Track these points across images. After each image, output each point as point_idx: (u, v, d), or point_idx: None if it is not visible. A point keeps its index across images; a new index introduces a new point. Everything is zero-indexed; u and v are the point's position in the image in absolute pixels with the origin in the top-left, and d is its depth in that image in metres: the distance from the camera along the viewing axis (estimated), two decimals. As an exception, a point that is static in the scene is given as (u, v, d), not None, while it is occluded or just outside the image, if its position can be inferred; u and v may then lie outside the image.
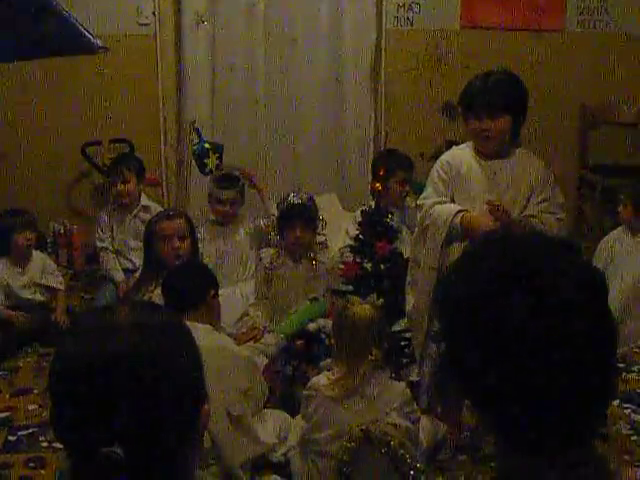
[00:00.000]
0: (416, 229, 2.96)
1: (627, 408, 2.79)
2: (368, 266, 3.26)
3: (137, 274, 3.79)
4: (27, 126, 4.71)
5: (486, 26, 4.92)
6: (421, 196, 2.92)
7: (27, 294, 3.83)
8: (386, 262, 3.26)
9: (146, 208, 4.22)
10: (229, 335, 3.10)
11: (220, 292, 2.91)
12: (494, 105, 2.70)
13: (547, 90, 4.79)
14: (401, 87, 4.95)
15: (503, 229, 2.59)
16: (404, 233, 3.67)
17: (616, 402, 2.77)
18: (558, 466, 1.00)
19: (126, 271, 4.15)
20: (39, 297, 3.88)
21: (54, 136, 4.72)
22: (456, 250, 2.73)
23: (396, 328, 3.08)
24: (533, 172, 2.81)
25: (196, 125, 4.28)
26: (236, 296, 3.78)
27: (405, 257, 3.18)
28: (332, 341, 2.66)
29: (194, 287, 2.76)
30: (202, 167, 4.09)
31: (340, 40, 4.91)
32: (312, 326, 3.24)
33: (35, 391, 3.22)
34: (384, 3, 4.86)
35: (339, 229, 4.04)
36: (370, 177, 4.22)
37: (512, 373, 0.98)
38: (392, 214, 3.41)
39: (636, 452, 2.52)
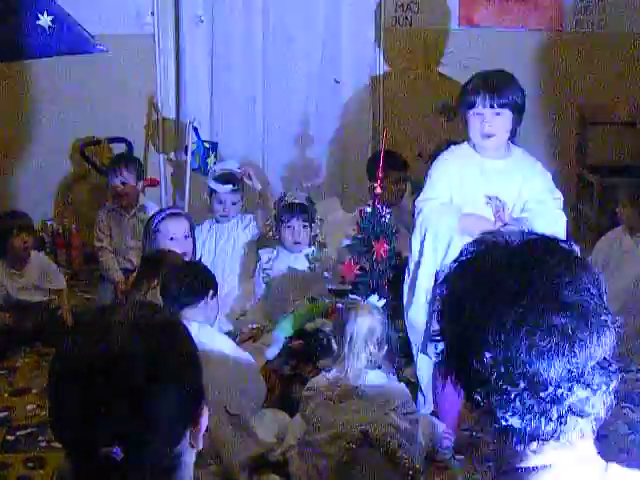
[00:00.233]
0: (414, 229, 2.96)
1: (625, 407, 2.79)
2: (367, 266, 3.26)
3: (134, 274, 3.80)
4: (25, 126, 4.71)
5: (484, 26, 4.92)
6: (419, 196, 2.93)
7: (25, 296, 3.83)
8: (384, 262, 3.27)
9: (145, 208, 4.21)
10: (227, 334, 3.10)
11: (218, 292, 2.91)
12: (499, 98, 2.71)
13: (545, 90, 4.79)
14: (399, 86, 4.94)
15: (501, 230, 2.60)
16: (401, 233, 3.67)
17: (614, 402, 2.78)
18: (556, 466, 1.01)
19: (125, 271, 4.15)
20: (38, 298, 3.87)
21: (53, 136, 4.71)
22: (454, 250, 2.73)
23: (394, 328, 3.08)
24: (531, 171, 2.82)
25: (194, 124, 4.28)
26: (235, 296, 3.79)
27: (403, 257, 3.18)
28: (332, 341, 2.66)
29: (193, 287, 2.76)
30: (203, 166, 4.09)
31: (338, 40, 4.91)
32: (310, 326, 3.24)
33: (34, 391, 3.22)
34: (382, 3, 4.86)
35: (338, 229, 4.04)
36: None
37: (510, 373, 0.98)
38: (390, 214, 3.41)
39: (634, 452, 2.52)
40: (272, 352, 3.22)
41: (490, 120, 2.72)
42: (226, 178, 3.99)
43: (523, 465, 1.03)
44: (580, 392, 0.99)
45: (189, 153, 4.29)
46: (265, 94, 4.92)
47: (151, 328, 1.08)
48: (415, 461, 2.43)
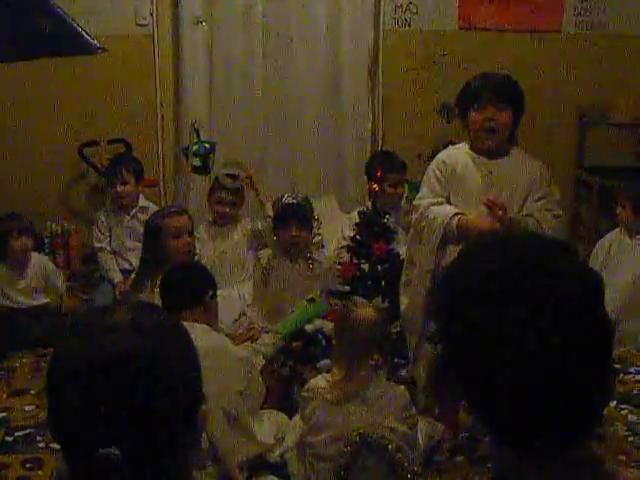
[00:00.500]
0: (411, 230, 2.96)
1: (624, 409, 2.79)
2: (365, 267, 3.26)
3: (133, 274, 3.80)
4: (24, 126, 4.70)
5: (483, 27, 4.93)
6: (417, 196, 2.93)
7: (26, 299, 3.82)
8: (383, 263, 3.27)
9: (144, 209, 4.21)
10: (227, 335, 3.10)
11: (218, 292, 2.91)
12: (501, 97, 2.73)
13: (544, 91, 4.79)
14: (398, 88, 4.95)
15: (500, 230, 2.60)
16: (400, 234, 3.68)
17: (613, 403, 2.78)
18: (555, 467, 1.01)
19: (123, 272, 4.15)
20: (40, 301, 3.87)
21: (51, 136, 4.71)
22: (452, 252, 2.73)
23: (392, 329, 3.09)
24: (529, 171, 2.83)
25: (195, 125, 4.28)
26: (234, 297, 3.79)
27: (401, 258, 3.19)
28: (333, 342, 2.66)
29: (192, 287, 2.76)
30: (204, 167, 4.09)
31: (338, 41, 4.91)
32: (309, 327, 3.24)
33: (32, 392, 3.20)
34: (382, 4, 4.87)
35: (336, 230, 4.05)
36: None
37: (509, 374, 0.98)
38: (389, 215, 3.42)
39: (632, 453, 2.52)
40: (270, 353, 3.23)
41: (493, 116, 2.74)
42: (230, 177, 4.00)
43: (523, 465, 1.03)
44: (580, 392, 0.99)
45: (189, 153, 4.29)
46: (265, 94, 4.92)
47: (150, 329, 1.07)
48: (413, 465, 2.42)
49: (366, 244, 3.29)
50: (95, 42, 3.44)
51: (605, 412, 1.05)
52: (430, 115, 4.79)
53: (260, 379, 2.88)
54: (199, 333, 2.47)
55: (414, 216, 2.89)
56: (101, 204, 4.49)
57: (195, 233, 3.66)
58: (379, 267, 3.26)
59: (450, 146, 2.98)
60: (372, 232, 3.31)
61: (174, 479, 1.08)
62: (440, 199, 2.83)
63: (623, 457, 2.45)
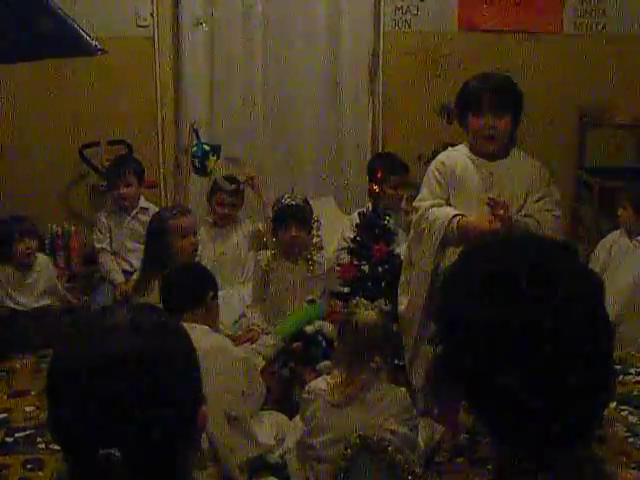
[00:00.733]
0: (412, 231, 2.95)
1: (624, 410, 2.79)
2: (365, 268, 3.26)
3: (135, 276, 3.80)
4: (24, 127, 4.70)
5: (483, 28, 4.93)
6: (417, 198, 2.92)
7: (29, 300, 3.82)
8: (383, 264, 3.27)
9: (144, 210, 4.21)
10: (227, 337, 3.10)
11: (218, 294, 2.91)
12: (500, 103, 2.71)
13: (544, 92, 4.79)
14: (398, 89, 4.95)
15: (500, 231, 2.60)
16: (400, 236, 3.68)
17: (613, 404, 2.78)
18: (556, 468, 1.01)
19: (124, 273, 4.15)
20: (42, 302, 3.86)
21: (52, 137, 4.71)
22: (451, 253, 2.73)
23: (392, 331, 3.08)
24: (529, 171, 2.82)
25: (195, 127, 4.28)
26: (234, 298, 3.79)
27: (401, 259, 3.18)
28: (334, 344, 2.65)
29: (193, 288, 2.77)
30: (203, 169, 4.09)
31: (338, 43, 4.91)
32: (309, 328, 3.24)
33: (33, 392, 3.21)
34: (382, 5, 4.87)
35: (336, 232, 4.05)
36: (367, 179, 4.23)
37: (510, 375, 0.98)
38: (389, 216, 3.41)
39: (632, 454, 2.52)
40: (270, 354, 3.23)
41: (492, 123, 2.72)
42: (228, 181, 4.00)
43: (523, 466, 1.03)
44: (580, 393, 0.99)
45: (189, 155, 4.28)
46: (265, 95, 4.92)
47: (150, 330, 1.07)
48: (414, 467, 2.42)
49: (366, 245, 3.29)
50: (95, 43, 3.44)
51: (605, 413, 1.04)
52: (430, 116, 4.79)
53: (260, 380, 2.88)
54: (199, 334, 2.47)
55: (414, 218, 2.89)
56: (101, 205, 4.49)
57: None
58: (379, 268, 3.26)
59: (449, 147, 2.98)
60: (372, 233, 3.30)
61: (174, 479, 1.08)
62: (440, 201, 2.82)
63: (623, 458, 2.45)
